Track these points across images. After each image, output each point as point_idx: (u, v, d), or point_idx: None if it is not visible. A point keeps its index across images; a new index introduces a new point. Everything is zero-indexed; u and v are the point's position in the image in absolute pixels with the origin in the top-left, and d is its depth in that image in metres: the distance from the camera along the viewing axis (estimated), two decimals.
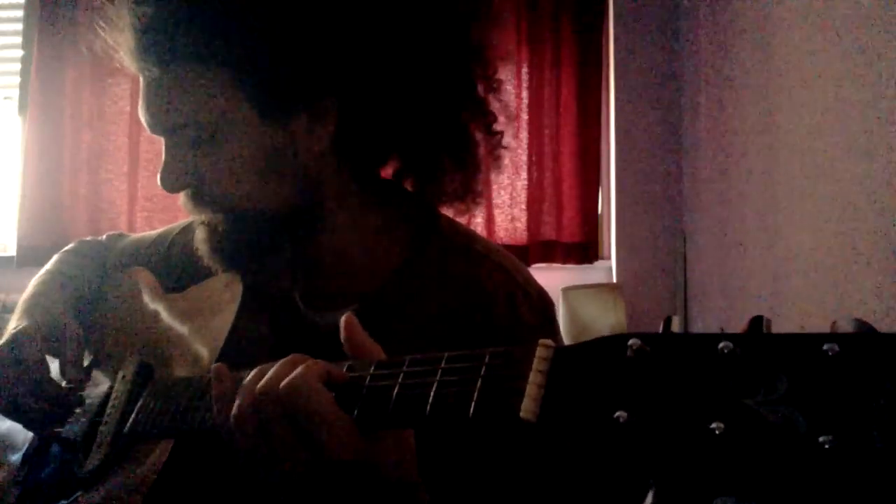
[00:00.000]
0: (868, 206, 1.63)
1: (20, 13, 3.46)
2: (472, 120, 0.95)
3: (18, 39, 3.45)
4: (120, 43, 0.90)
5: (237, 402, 0.69)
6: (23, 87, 3.38)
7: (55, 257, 1.24)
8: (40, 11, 3.33)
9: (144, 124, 0.91)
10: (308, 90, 0.86)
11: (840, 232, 1.76)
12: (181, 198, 0.94)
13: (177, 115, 0.87)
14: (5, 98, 3.44)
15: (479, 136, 0.96)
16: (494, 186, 3.32)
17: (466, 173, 0.95)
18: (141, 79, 0.90)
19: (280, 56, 0.84)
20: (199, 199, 0.92)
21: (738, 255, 2.51)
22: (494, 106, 0.98)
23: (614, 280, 3.27)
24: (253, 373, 0.70)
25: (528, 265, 3.18)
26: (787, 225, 2.11)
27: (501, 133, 0.98)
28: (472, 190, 0.96)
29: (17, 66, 3.42)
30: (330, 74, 0.86)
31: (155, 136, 0.92)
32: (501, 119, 0.98)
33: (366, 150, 0.93)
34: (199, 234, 0.95)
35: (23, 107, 3.36)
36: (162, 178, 0.91)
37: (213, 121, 0.86)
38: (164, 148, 0.92)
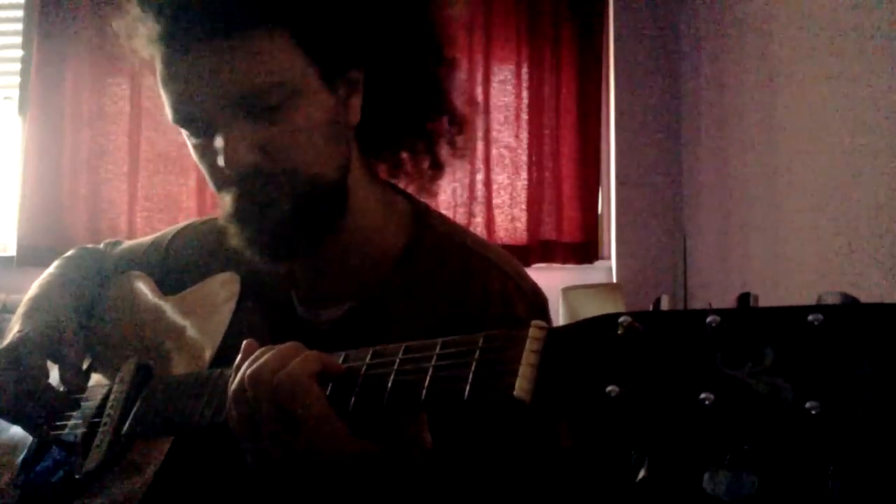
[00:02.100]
0: (869, 206, 1.63)
1: (20, 13, 3.46)
2: (433, 109, 0.98)
3: (18, 39, 3.45)
4: (140, 32, 0.86)
5: (236, 380, 0.72)
6: (23, 87, 3.38)
7: (56, 262, 1.24)
8: (40, 11, 3.34)
9: (180, 118, 0.85)
10: (352, 54, 0.88)
11: (841, 233, 1.77)
12: (222, 200, 0.88)
13: (238, 87, 0.81)
14: (5, 98, 3.44)
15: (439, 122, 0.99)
16: (494, 186, 3.33)
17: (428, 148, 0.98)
18: (173, 69, 0.83)
19: (331, 15, 0.85)
20: (259, 179, 0.85)
21: (739, 255, 2.52)
22: (456, 95, 1.00)
23: (614, 280, 3.27)
24: (257, 353, 0.73)
25: (528, 265, 3.18)
26: (787, 225, 2.11)
27: (463, 120, 1.00)
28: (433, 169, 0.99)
29: (17, 66, 3.43)
30: (362, 43, 0.88)
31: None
32: (462, 103, 1.00)
33: (381, 129, 0.95)
34: (232, 230, 0.88)
35: (23, 107, 3.37)
36: (227, 160, 0.83)
37: (280, 85, 0.82)
38: (220, 133, 0.84)
